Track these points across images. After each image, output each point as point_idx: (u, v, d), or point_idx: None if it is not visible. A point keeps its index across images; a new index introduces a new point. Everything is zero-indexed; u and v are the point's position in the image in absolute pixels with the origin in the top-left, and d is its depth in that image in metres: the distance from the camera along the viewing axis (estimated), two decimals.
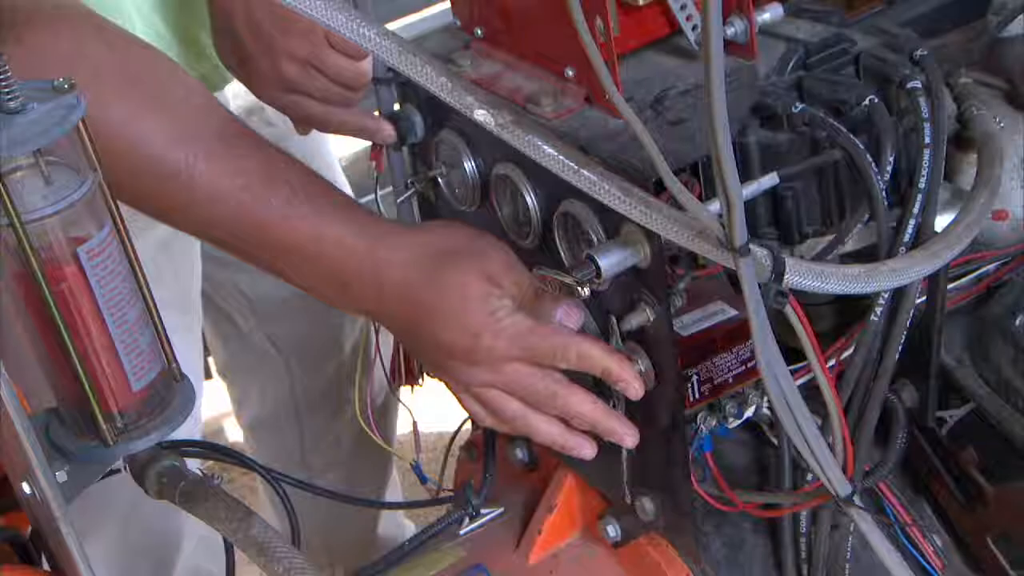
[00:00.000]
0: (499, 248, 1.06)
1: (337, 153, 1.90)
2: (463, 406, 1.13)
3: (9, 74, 0.75)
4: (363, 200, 1.90)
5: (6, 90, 0.75)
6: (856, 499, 1.01)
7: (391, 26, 2.65)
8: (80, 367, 0.83)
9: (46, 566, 0.93)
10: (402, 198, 1.24)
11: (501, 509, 1.23)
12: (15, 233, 0.77)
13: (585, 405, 1.04)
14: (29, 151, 0.77)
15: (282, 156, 1.11)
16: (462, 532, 1.21)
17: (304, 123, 1.40)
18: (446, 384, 1.13)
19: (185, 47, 1.53)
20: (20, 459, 0.82)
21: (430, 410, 1.21)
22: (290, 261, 1.09)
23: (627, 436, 1.04)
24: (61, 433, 0.87)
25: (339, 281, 1.09)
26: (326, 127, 1.35)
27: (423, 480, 1.38)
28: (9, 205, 0.76)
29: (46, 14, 1.05)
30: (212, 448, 1.03)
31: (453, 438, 1.34)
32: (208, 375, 2.19)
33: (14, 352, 0.82)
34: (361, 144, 2.30)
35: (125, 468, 0.93)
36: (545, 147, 0.91)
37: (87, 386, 0.83)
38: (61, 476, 0.84)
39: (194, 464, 1.03)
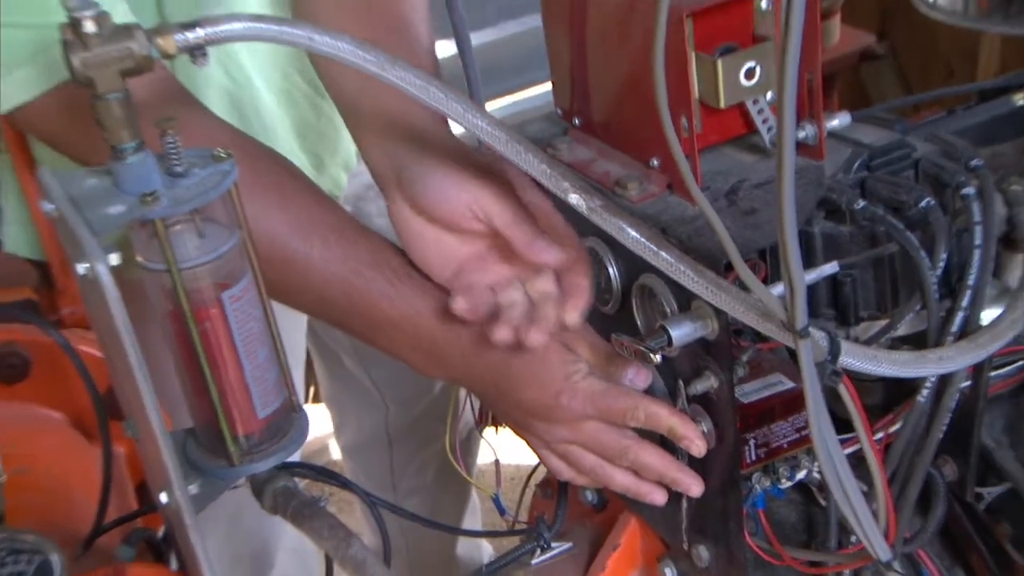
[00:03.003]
0: None
1: None
2: (544, 461, 1.16)
3: (177, 144, 0.82)
4: None
5: (174, 157, 0.81)
6: (896, 564, 1.03)
7: (493, 104, 2.67)
8: (215, 395, 0.88)
9: (174, 565, 0.99)
10: None
11: (570, 544, 1.25)
12: (171, 278, 0.82)
13: (654, 458, 1.07)
14: (188, 210, 0.82)
15: (385, 243, 1.15)
16: (534, 562, 1.24)
17: None
18: (527, 441, 1.17)
19: (313, 164, 1.61)
20: (160, 472, 0.87)
21: (511, 448, 1.25)
22: (389, 335, 1.14)
23: (693, 486, 1.07)
24: (195, 451, 0.92)
25: (431, 352, 1.13)
26: None
27: (502, 512, 1.40)
28: (168, 253, 0.81)
29: (195, 122, 1.12)
30: (321, 472, 1.07)
31: (530, 476, 1.36)
32: (317, 399, 2.24)
33: (162, 378, 0.85)
34: None
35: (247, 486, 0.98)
36: (629, 230, 0.94)
37: (220, 412, 0.89)
38: (193, 489, 0.89)
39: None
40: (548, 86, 1.20)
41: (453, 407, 1.76)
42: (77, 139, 1.14)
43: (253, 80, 1.51)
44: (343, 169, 1.76)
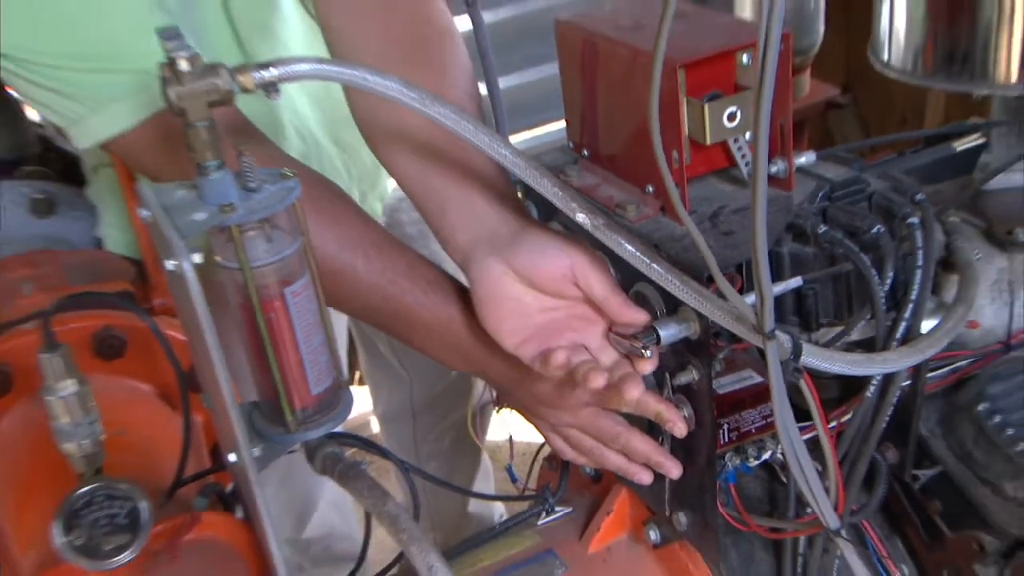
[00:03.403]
0: None
1: None
2: (550, 443, 1.17)
3: (252, 164, 0.83)
4: None
5: (249, 175, 0.83)
6: (843, 532, 1.04)
7: (516, 137, 2.66)
8: (277, 374, 0.89)
9: (239, 514, 1.00)
10: None
11: (570, 509, 1.26)
12: (243, 275, 0.84)
13: (642, 444, 1.08)
14: (259, 218, 0.84)
15: (420, 257, 1.15)
16: (539, 523, 1.25)
17: None
18: (536, 425, 1.17)
19: (344, 155, 1.60)
20: (230, 437, 0.88)
21: (522, 427, 1.26)
22: (423, 336, 1.14)
23: (673, 469, 1.07)
24: (259, 420, 0.93)
25: (460, 351, 1.13)
26: None
27: (514, 480, 1.41)
28: (241, 255, 0.83)
29: (259, 151, 1.12)
30: (362, 441, 1.08)
31: (538, 451, 1.36)
32: (362, 382, 2.26)
33: (233, 358, 0.86)
34: None
35: (301, 450, 0.98)
36: (627, 245, 0.96)
37: (280, 388, 0.90)
38: (256, 452, 0.90)
39: None
40: (562, 123, 1.20)
41: (472, 389, 1.78)
42: (161, 162, 1.14)
43: (317, 137, 1.51)
44: (379, 200, 1.77)
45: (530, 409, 1.15)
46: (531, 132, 2.72)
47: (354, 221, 1.16)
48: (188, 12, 1.26)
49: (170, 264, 0.80)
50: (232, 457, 0.90)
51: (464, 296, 1.12)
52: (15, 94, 1.56)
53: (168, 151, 1.12)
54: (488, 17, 1.35)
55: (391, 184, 1.71)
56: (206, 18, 1.31)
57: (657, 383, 1.07)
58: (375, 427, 2.16)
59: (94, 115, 1.12)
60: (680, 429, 1.03)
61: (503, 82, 1.37)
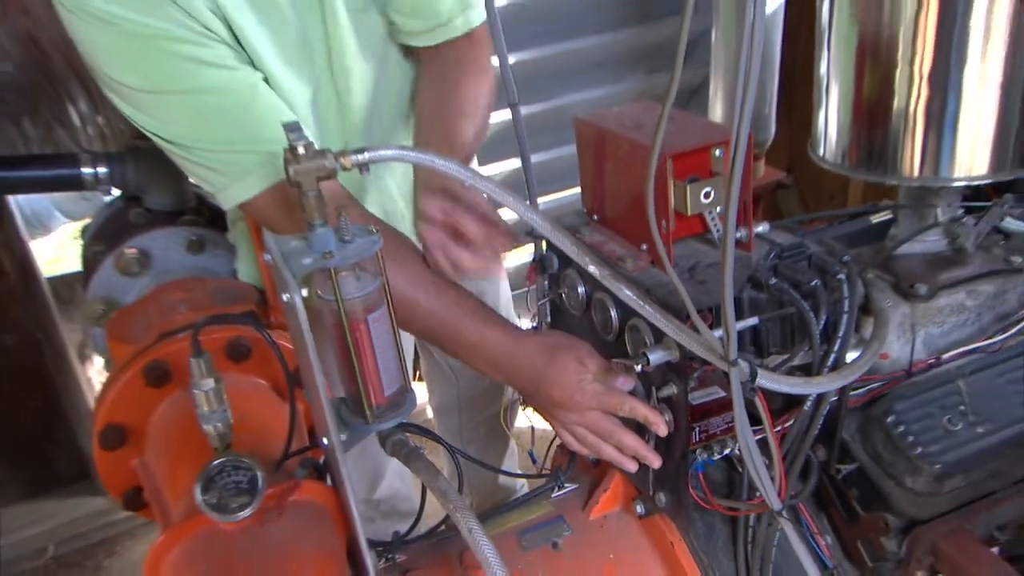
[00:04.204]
0: (585, 345, 1.09)
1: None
2: (560, 437, 1.15)
3: (347, 222, 0.82)
4: (517, 293, 1.94)
5: (344, 231, 0.82)
6: (784, 512, 1.04)
7: (542, 199, 2.64)
8: (360, 378, 0.89)
9: (328, 482, 0.98)
10: (541, 301, 1.25)
11: (576, 486, 1.24)
12: (337, 305, 0.84)
13: (632, 441, 1.07)
14: (350, 263, 0.84)
15: (464, 291, 1.14)
16: (552, 496, 1.23)
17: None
18: (550, 423, 1.15)
19: (411, 210, 1.56)
20: (323, 424, 0.87)
21: (542, 420, 1.24)
22: (468, 352, 1.12)
23: (654, 461, 1.07)
24: (345, 412, 0.92)
25: (493, 364, 1.11)
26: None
27: (534, 461, 1.39)
28: (336, 290, 0.83)
29: (354, 210, 1.13)
30: (420, 429, 1.06)
31: (553, 440, 1.33)
32: (420, 379, 2.23)
33: (327, 365, 0.86)
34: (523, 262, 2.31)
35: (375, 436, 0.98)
36: (625, 290, 0.96)
37: (362, 389, 0.89)
38: (342, 436, 0.90)
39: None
40: (578, 189, 1.20)
41: (504, 390, 1.75)
42: (279, 218, 1.15)
43: (394, 197, 1.50)
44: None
45: (547, 410, 1.14)
46: (555, 195, 2.72)
47: (418, 264, 1.15)
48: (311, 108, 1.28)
49: (284, 296, 0.80)
50: (324, 440, 0.90)
51: (496, 320, 1.12)
52: None
53: (284, 211, 1.13)
54: (524, 111, 1.35)
55: None
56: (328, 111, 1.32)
57: (646, 395, 1.06)
58: (429, 413, 2.13)
59: (234, 184, 1.13)
60: (662, 430, 1.03)
61: (534, 158, 1.38)
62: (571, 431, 1.11)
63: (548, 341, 1.09)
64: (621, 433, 1.07)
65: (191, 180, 1.24)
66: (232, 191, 1.13)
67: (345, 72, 1.27)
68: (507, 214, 1.18)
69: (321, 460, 1.00)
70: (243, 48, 1.14)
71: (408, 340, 1.76)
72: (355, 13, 1.24)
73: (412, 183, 1.32)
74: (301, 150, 0.81)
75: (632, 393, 1.06)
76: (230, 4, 1.10)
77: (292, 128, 0.82)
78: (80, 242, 1.66)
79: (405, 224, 1.51)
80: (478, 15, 1.32)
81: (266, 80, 1.16)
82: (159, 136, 1.11)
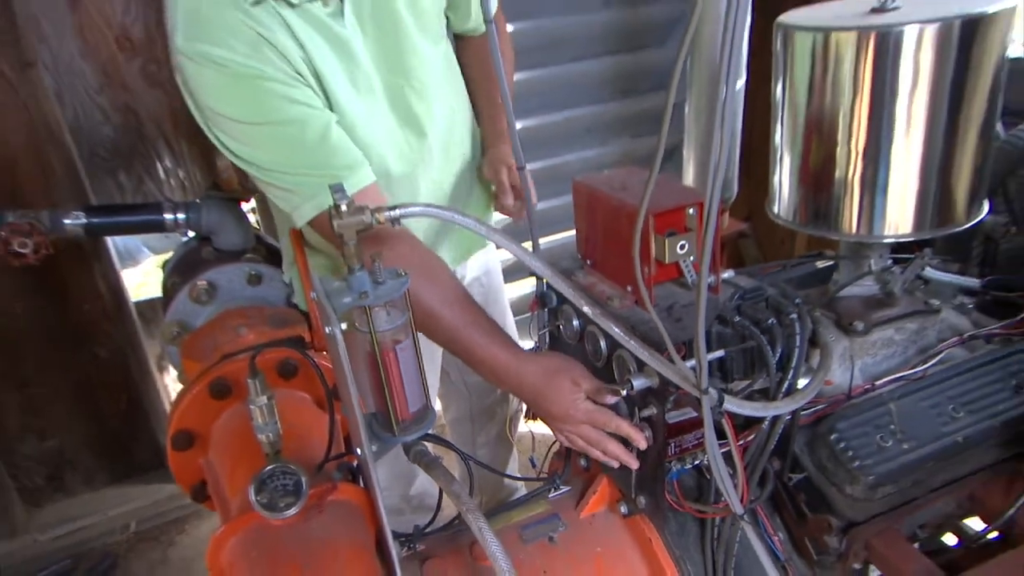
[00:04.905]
0: (580, 367, 1.07)
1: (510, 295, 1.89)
2: (559, 439, 1.13)
3: (379, 266, 0.81)
4: (519, 318, 1.92)
5: (378, 274, 0.81)
6: (744, 514, 1.02)
7: (544, 239, 2.62)
8: (388, 397, 0.88)
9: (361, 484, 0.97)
10: (542, 331, 1.23)
11: (570, 488, 1.22)
12: (371, 336, 0.83)
13: (617, 449, 1.05)
14: (383, 301, 0.82)
15: (483, 313, 1.13)
16: (550, 496, 1.21)
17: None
18: (551, 428, 1.13)
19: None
20: (357, 435, 0.87)
21: (541, 429, 1.22)
22: (476, 364, 1.11)
23: (633, 464, 1.05)
24: (376, 426, 0.91)
25: (497, 378, 1.10)
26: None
27: (533, 465, 1.37)
28: (370, 324, 0.82)
29: (394, 238, 1.12)
30: (437, 438, 1.04)
31: (551, 447, 1.33)
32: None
33: (361, 384, 0.86)
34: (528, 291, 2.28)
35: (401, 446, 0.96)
36: (613, 327, 0.94)
37: (390, 406, 0.88)
38: (373, 447, 0.88)
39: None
40: (573, 232, 1.17)
41: (509, 404, 1.73)
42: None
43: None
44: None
45: (547, 421, 1.12)
46: (555, 236, 2.69)
47: (447, 283, 1.13)
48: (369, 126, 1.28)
49: (327, 328, 0.79)
50: (359, 450, 0.88)
51: (505, 342, 1.10)
52: (244, 205, 1.61)
53: None
54: (530, 166, 1.34)
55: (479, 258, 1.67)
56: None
57: (630, 414, 1.04)
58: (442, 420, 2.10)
59: (304, 204, 1.14)
60: (643, 444, 1.01)
61: (538, 206, 1.41)
62: (566, 436, 1.10)
63: (547, 363, 1.08)
64: (606, 442, 1.05)
65: (272, 204, 1.25)
66: (303, 210, 1.13)
67: (424, 101, 1.30)
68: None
69: (355, 464, 0.98)
70: (324, 91, 1.17)
71: (432, 364, 1.73)
72: (431, 48, 1.29)
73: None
74: (343, 207, 0.79)
75: (616, 409, 1.04)
76: (317, 55, 1.13)
77: (336, 188, 0.81)
78: (161, 273, 1.66)
79: (448, 232, 1.50)
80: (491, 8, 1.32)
81: (339, 117, 1.18)
82: (247, 161, 1.13)
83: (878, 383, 1.13)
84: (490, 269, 1.68)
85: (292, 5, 1.10)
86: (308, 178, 1.11)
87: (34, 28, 1.97)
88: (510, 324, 1.80)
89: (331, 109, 1.17)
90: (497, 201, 1.45)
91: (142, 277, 3.54)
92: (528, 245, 1.15)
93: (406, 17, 1.23)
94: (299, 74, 1.12)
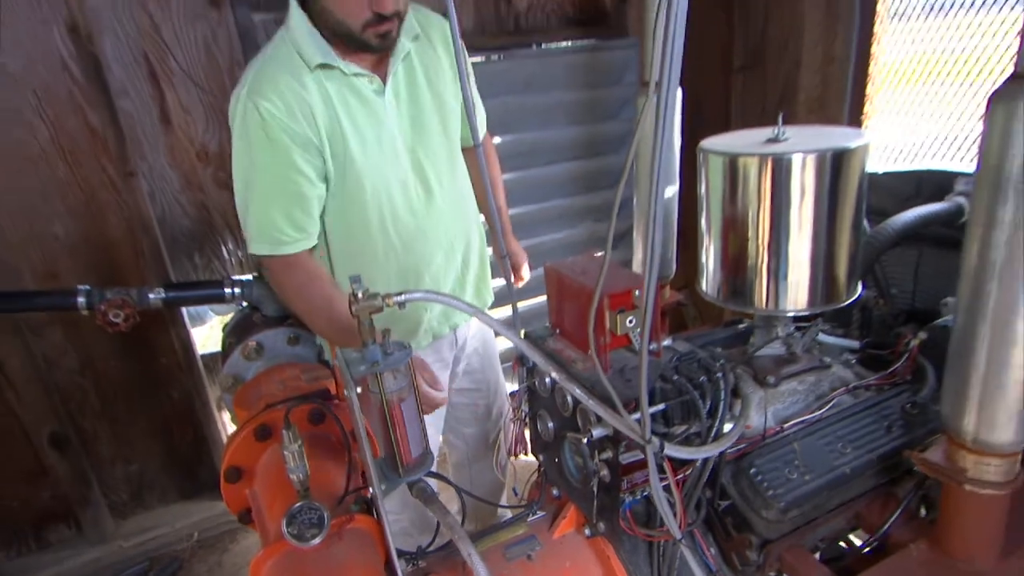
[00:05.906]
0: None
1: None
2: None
3: (389, 339, 0.78)
4: (506, 364, 1.87)
5: (387, 347, 0.79)
6: (683, 538, 0.97)
7: (523, 302, 2.59)
8: (395, 444, 0.85)
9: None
10: (522, 385, 1.18)
11: (544, 513, 1.16)
12: (381, 396, 0.80)
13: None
14: (391, 369, 0.80)
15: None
16: (528, 520, 1.15)
17: None
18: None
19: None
20: (370, 476, 0.82)
21: (522, 464, 1.17)
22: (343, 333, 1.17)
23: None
24: (385, 467, 0.88)
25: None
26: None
27: (515, 494, 1.31)
28: (380, 387, 0.80)
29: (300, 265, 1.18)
30: (441, 477, 1.00)
31: (529, 478, 1.27)
32: None
33: (374, 432, 0.83)
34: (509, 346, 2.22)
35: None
36: (576, 389, 0.91)
37: (396, 451, 0.85)
38: (382, 486, 0.85)
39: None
40: (546, 298, 1.14)
41: (499, 448, 1.68)
42: (279, 277, 1.32)
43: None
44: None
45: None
46: (533, 300, 2.68)
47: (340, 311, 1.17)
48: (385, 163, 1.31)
49: (346, 391, 0.76)
50: (370, 490, 0.85)
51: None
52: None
53: (284, 271, 1.27)
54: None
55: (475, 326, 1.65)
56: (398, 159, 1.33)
57: (590, 455, 1.00)
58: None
59: (257, 240, 1.20)
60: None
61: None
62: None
63: None
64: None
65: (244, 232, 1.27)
66: (254, 244, 1.17)
67: (434, 169, 1.32)
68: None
69: (369, 496, 0.93)
70: (346, 145, 1.19)
71: (438, 421, 1.66)
72: (442, 134, 1.34)
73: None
74: (360, 294, 0.78)
75: (579, 453, 1.00)
76: (350, 116, 1.17)
77: (354, 279, 0.79)
78: (221, 333, 1.63)
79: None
80: (483, 130, 1.40)
81: (363, 165, 1.22)
82: (239, 179, 1.15)
83: (786, 426, 1.10)
84: (486, 339, 1.67)
85: (345, 75, 1.14)
86: (273, 221, 1.14)
87: (136, 147, 2.05)
88: (500, 373, 1.76)
89: (352, 159, 1.20)
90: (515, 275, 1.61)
91: (208, 331, 3.50)
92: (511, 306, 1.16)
93: (430, 105, 1.29)
94: (321, 142, 1.14)
